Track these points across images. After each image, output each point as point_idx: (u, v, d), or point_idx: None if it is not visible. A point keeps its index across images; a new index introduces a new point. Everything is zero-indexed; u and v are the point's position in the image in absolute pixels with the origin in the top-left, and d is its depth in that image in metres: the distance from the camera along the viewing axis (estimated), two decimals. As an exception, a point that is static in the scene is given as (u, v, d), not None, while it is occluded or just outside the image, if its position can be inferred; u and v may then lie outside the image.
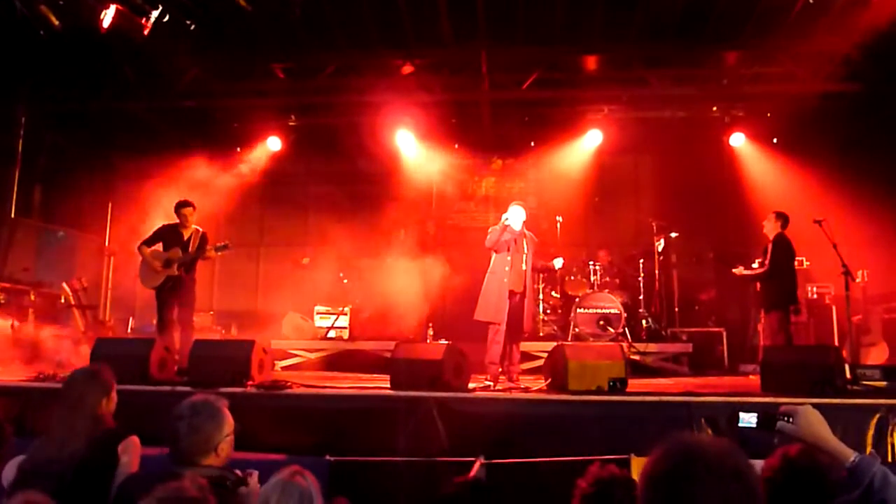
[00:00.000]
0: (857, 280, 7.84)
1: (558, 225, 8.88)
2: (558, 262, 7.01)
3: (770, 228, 7.50)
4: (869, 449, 4.54)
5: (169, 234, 7.25)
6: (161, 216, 8.00)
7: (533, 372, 7.59)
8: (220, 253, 7.24)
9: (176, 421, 2.58)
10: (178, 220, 7.29)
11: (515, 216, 6.56)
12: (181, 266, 7.06)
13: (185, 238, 7.22)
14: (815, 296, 9.04)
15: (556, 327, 9.25)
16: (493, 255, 6.59)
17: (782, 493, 2.33)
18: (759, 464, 1.85)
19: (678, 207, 10.25)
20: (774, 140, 10.21)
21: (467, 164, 11.39)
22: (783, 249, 7.36)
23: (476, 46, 8.81)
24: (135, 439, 2.92)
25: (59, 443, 2.98)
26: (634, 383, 5.77)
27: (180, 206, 7.29)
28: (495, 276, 6.48)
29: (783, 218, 7.49)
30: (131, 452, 2.83)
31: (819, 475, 2.36)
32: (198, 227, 7.33)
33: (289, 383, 5.54)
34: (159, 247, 7.20)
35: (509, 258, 6.47)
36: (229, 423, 2.65)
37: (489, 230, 6.62)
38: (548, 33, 8.64)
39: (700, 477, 1.38)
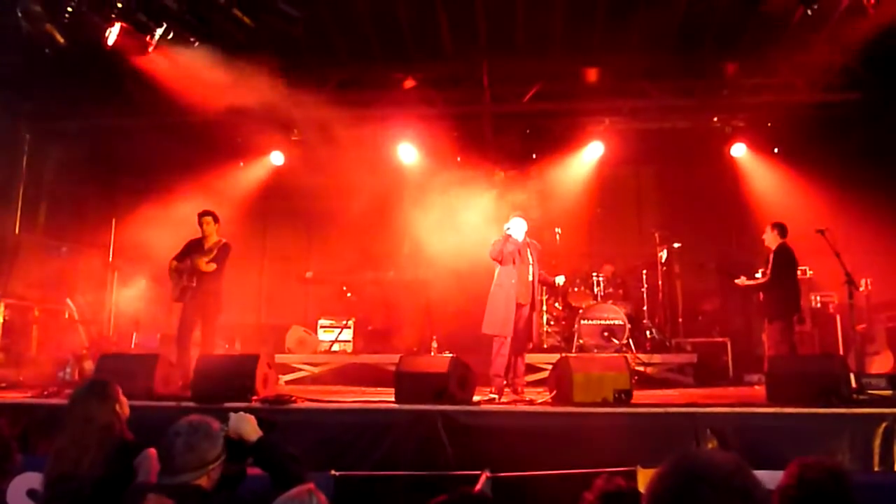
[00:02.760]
0: (861, 289, 7.84)
1: (557, 236, 8.88)
2: (560, 280, 7.02)
3: (770, 240, 7.52)
4: (876, 459, 4.53)
5: (194, 247, 7.28)
6: (164, 231, 8.03)
7: (538, 384, 7.57)
8: (208, 261, 7.12)
9: (173, 437, 2.62)
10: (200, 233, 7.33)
11: (517, 227, 6.57)
12: (191, 276, 7.08)
13: (206, 249, 7.25)
14: (818, 305, 9.03)
15: (560, 339, 9.24)
16: (498, 268, 6.59)
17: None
18: (769, 475, 1.84)
19: (680, 218, 10.26)
20: (775, 150, 10.23)
21: (469, 176, 11.40)
22: (784, 259, 7.36)
23: (477, 59, 8.87)
24: (151, 452, 2.93)
25: (73, 461, 2.99)
26: (639, 395, 5.75)
27: (199, 217, 7.35)
28: (502, 288, 6.47)
29: (779, 228, 7.51)
30: (147, 465, 2.83)
31: (838, 485, 2.35)
32: (221, 239, 7.34)
33: (293, 398, 5.53)
34: (187, 261, 7.22)
35: (515, 270, 6.47)
36: (222, 444, 2.69)
37: (492, 241, 6.63)
38: (548, 46, 8.70)
39: (705, 497, 1.35)
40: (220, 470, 2.67)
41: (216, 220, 7.35)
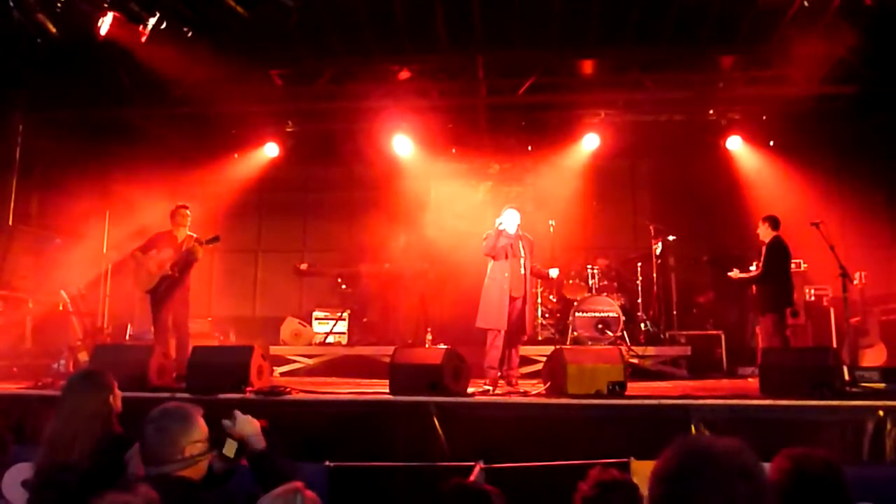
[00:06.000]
0: (855, 282, 7.86)
1: (551, 229, 8.92)
2: (554, 272, 7.02)
3: (764, 233, 7.56)
4: (866, 450, 4.56)
5: (163, 239, 7.32)
6: (158, 223, 8.02)
7: (532, 376, 7.60)
8: (210, 245, 7.30)
9: (146, 424, 2.60)
10: (171, 226, 7.37)
11: (510, 220, 6.56)
12: (174, 266, 7.09)
13: (179, 242, 7.29)
14: (812, 298, 9.05)
15: (554, 331, 9.25)
16: (491, 262, 6.58)
17: (796, 497, 2.32)
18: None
19: (675, 211, 10.27)
20: (771, 143, 10.22)
21: (464, 168, 11.40)
22: (777, 252, 7.39)
23: (472, 51, 8.83)
24: None
25: (64, 450, 2.98)
26: (633, 387, 5.77)
27: (177, 209, 7.41)
28: (495, 282, 6.47)
29: (771, 221, 7.53)
30: (138, 459, 2.82)
31: (834, 477, 2.35)
32: (192, 234, 7.38)
33: (288, 389, 5.54)
34: (154, 253, 7.26)
35: (508, 264, 6.46)
36: (200, 430, 2.65)
37: (484, 235, 6.62)
38: (544, 38, 8.66)
39: (708, 475, 1.38)
40: (207, 462, 2.64)
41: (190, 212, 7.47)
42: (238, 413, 2.74)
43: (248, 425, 2.72)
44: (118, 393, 3.32)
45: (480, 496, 2.53)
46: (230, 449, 2.67)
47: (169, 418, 2.61)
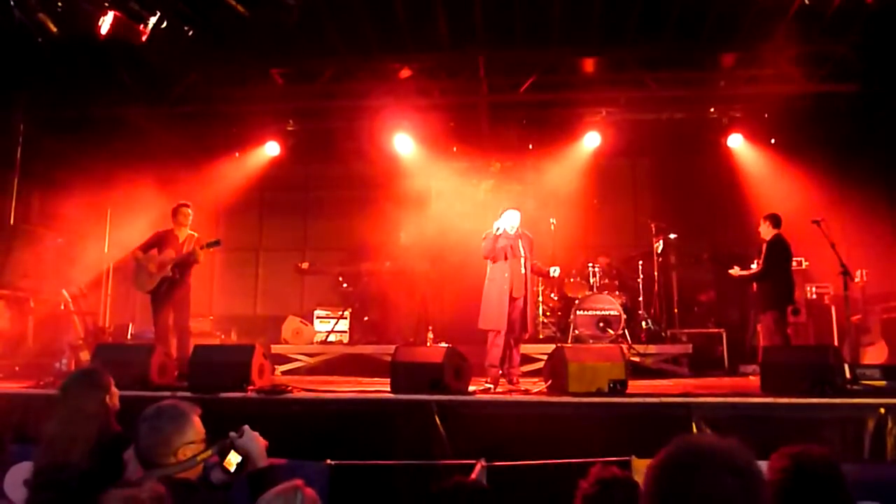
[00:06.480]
0: (856, 280, 7.87)
1: (552, 227, 8.91)
2: (555, 271, 7.00)
3: (765, 231, 7.56)
4: (867, 448, 4.56)
5: (164, 239, 7.33)
6: (159, 222, 8.03)
7: (533, 374, 7.60)
8: (211, 249, 7.32)
9: (140, 423, 2.58)
10: (172, 225, 7.37)
11: (509, 221, 6.54)
12: (175, 267, 7.10)
13: (180, 241, 7.29)
14: (814, 296, 9.05)
15: (555, 329, 9.26)
16: (490, 263, 6.58)
17: (796, 495, 2.32)
18: (762, 465, 1.84)
19: (677, 209, 10.27)
20: (772, 141, 10.22)
21: (466, 167, 11.39)
22: (778, 250, 7.39)
23: (473, 50, 8.84)
24: None
25: (63, 450, 2.98)
26: (634, 385, 5.78)
27: (179, 207, 7.41)
28: (494, 283, 6.46)
29: (773, 219, 7.54)
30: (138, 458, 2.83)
31: (833, 474, 2.35)
32: (193, 233, 7.38)
33: (289, 388, 5.55)
34: (154, 253, 7.27)
35: (508, 265, 6.45)
36: (196, 430, 2.63)
37: (483, 236, 6.61)
38: (545, 36, 8.66)
39: (701, 470, 1.41)
40: (194, 454, 2.60)
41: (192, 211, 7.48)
42: (247, 428, 2.70)
43: (254, 442, 2.68)
44: (115, 391, 3.31)
45: (481, 495, 2.54)
46: (232, 462, 2.62)
47: (163, 417, 2.59)
